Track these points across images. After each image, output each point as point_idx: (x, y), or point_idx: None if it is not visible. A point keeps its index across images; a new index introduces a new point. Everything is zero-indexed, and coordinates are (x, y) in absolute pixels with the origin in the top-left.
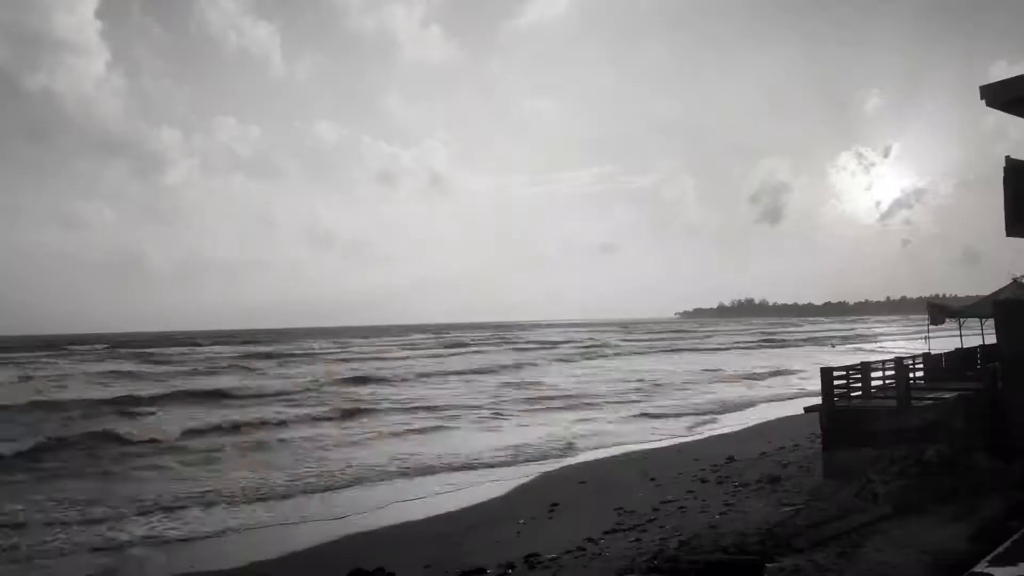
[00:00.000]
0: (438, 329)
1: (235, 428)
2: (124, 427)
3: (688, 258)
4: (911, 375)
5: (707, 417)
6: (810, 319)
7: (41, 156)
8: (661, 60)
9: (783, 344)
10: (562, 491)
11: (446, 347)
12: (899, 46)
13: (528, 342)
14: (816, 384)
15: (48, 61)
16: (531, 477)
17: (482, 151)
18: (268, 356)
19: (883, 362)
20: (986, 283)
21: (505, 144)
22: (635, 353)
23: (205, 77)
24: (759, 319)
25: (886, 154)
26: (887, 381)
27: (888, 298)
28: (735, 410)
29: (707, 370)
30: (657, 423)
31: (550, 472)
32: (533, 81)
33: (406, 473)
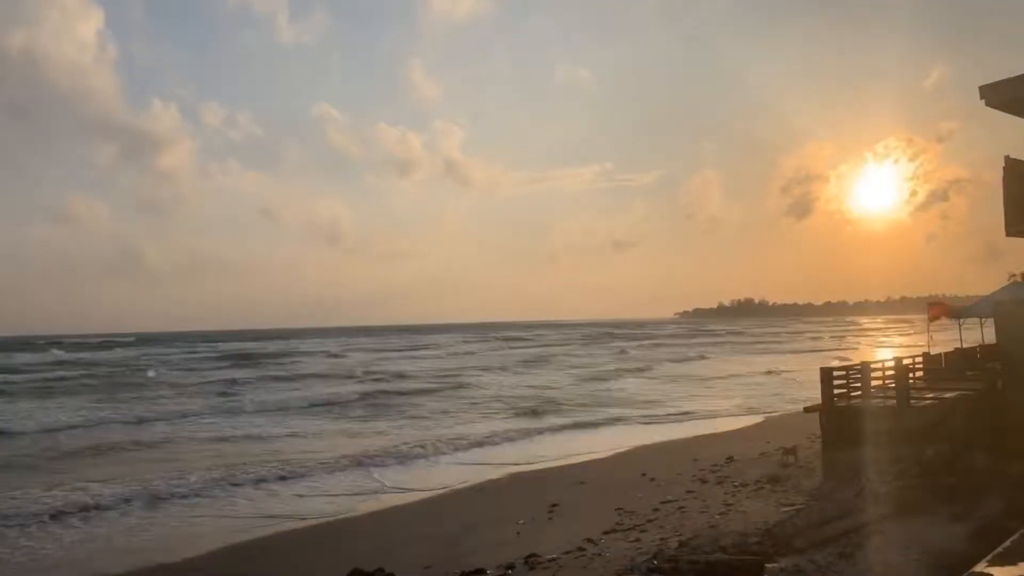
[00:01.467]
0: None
1: None
2: None
3: (703, 256)
4: (911, 375)
5: None
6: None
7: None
8: (711, 29)
9: None
10: (562, 491)
11: None
12: (973, 12)
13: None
14: None
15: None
16: (530, 476)
17: (502, 135)
18: None
19: (883, 362)
20: (999, 282)
21: (529, 124)
22: None
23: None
24: (724, 321)
25: (941, 139)
26: (887, 381)
27: (888, 298)
28: None
29: None
30: None
31: (550, 471)
32: (568, 45)
33: None
